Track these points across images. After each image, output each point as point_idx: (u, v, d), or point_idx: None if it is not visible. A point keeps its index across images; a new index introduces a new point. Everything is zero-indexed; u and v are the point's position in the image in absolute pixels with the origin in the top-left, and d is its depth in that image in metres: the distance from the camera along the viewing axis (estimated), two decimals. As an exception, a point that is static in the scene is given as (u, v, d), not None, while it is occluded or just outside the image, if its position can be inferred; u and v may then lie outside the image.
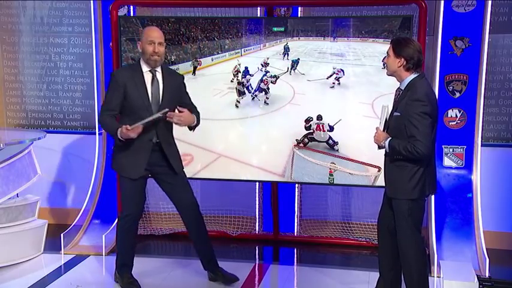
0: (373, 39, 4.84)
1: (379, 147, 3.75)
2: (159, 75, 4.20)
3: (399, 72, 3.65)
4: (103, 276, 4.72)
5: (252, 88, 5.14)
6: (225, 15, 5.28)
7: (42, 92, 6.02)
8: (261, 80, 5.12)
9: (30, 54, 5.97)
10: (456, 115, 5.04)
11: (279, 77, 5.10)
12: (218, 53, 5.14)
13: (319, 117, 5.00)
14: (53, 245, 5.17)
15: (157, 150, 4.20)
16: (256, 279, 4.72)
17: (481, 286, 4.10)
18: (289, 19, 5.17)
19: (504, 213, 5.32)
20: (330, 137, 5.00)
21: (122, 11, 5.32)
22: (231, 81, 5.14)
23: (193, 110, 4.32)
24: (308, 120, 5.03)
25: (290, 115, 5.08)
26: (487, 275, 4.50)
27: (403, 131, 3.57)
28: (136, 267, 4.54)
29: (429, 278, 3.86)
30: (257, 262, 5.11)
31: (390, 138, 3.64)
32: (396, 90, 3.75)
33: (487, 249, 4.81)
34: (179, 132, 5.07)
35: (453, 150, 5.07)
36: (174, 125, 4.24)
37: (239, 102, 5.15)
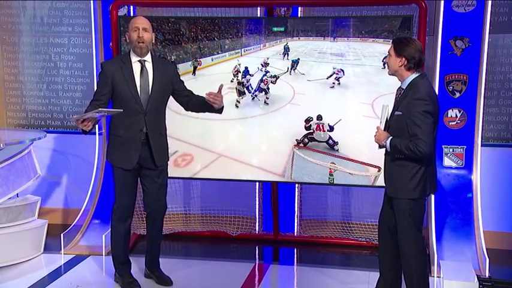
0: (373, 39, 4.84)
1: (380, 147, 3.75)
2: (148, 65, 4.18)
3: (400, 72, 3.66)
4: (103, 276, 4.72)
5: (252, 88, 5.14)
6: (225, 15, 5.28)
7: (42, 92, 6.02)
8: (261, 80, 5.12)
9: (30, 54, 5.97)
10: (456, 115, 5.04)
11: (279, 77, 5.10)
12: (218, 53, 5.13)
13: (319, 117, 5.00)
14: (53, 245, 5.17)
15: (145, 143, 4.17)
16: (256, 279, 4.72)
17: (481, 286, 4.11)
18: (289, 19, 5.17)
19: (504, 213, 5.32)
20: (330, 137, 5.00)
21: (122, 11, 5.32)
22: (231, 81, 5.14)
23: (193, 94, 4.34)
24: (308, 120, 5.03)
25: (290, 115, 5.08)
26: (487, 275, 4.50)
27: (404, 130, 3.57)
28: (137, 266, 4.55)
29: (429, 278, 3.85)
30: (257, 262, 5.10)
31: (391, 137, 3.65)
32: (397, 90, 3.75)
33: (487, 249, 4.81)
34: (179, 132, 5.08)
35: (453, 150, 5.07)
36: (165, 121, 4.28)
37: (239, 102, 5.15)
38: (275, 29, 5.02)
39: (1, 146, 4.68)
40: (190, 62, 5.17)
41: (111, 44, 5.24)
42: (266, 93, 5.12)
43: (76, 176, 5.94)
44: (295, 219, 5.56)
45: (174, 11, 5.49)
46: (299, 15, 5.37)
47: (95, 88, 4.28)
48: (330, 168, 5.00)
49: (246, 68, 5.11)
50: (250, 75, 5.12)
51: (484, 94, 5.04)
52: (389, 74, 3.76)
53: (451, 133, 5.04)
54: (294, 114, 5.06)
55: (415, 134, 3.51)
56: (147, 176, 4.29)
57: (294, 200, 5.54)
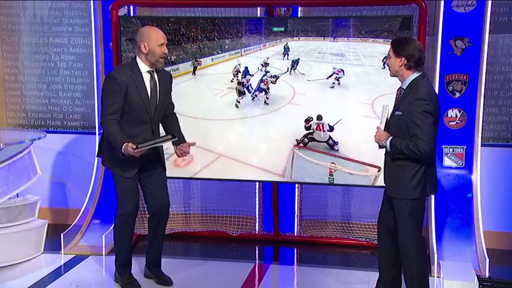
0: (373, 39, 4.84)
1: (380, 147, 3.75)
2: (155, 75, 4.17)
3: (401, 72, 3.66)
4: (103, 276, 4.72)
5: (252, 88, 5.14)
6: (225, 15, 5.28)
7: (42, 92, 6.02)
8: (261, 80, 5.12)
9: (30, 54, 5.97)
10: (456, 115, 5.04)
11: (279, 77, 5.10)
12: (218, 53, 5.14)
13: (319, 117, 5.00)
14: (53, 245, 5.17)
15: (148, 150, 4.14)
16: (256, 279, 4.72)
17: (481, 286, 4.10)
18: (289, 19, 5.17)
19: (504, 213, 5.32)
20: (330, 137, 5.00)
21: (122, 11, 5.32)
22: (231, 81, 5.14)
23: (172, 109, 4.35)
24: (308, 120, 5.03)
25: (290, 115, 5.08)
26: (487, 275, 4.50)
27: (404, 130, 3.57)
28: (136, 267, 4.55)
29: (429, 278, 3.85)
30: (257, 262, 5.10)
31: (391, 137, 3.65)
32: (398, 90, 3.75)
33: (487, 249, 4.81)
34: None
35: (453, 150, 5.07)
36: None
37: (239, 102, 5.15)
38: (275, 29, 5.02)
39: (1, 146, 4.68)
40: (190, 62, 5.17)
41: (111, 44, 5.24)
42: (266, 93, 5.12)
43: (76, 176, 5.94)
44: (295, 219, 5.56)
45: (174, 11, 5.49)
46: (299, 15, 5.37)
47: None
48: (330, 168, 5.00)
49: (246, 68, 5.11)
50: (250, 75, 5.12)
51: (484, 94, 5.04)
52: (391, 76, 3.76)
53: (451, 133, 5.04)
54: (294, 114, 5.06)
55: (415, 134, 3.51)
56: (148, 178, 4.29)
57: (294, 200, 5.54)
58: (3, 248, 4.72)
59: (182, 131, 4.35)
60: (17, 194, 4.97)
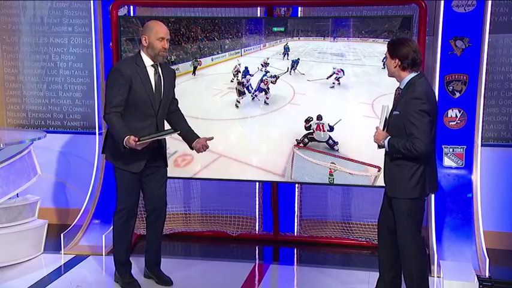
0: (373, 39, 4.84)
1: (379, 147, 3.76)
2: (159, 70, 4.17)
3: (397, 73, 3.68)
4: (103, 276, 4.72)
5: (252, 88, 5.14)
6: (225, 15, 5.28)
7: (42, 92, 6.02)
8: (261, 80, 5.12)
9: (30, 54, 5.97)
10: (456, 115, 5.04)
11: (279, 77, 5.10)
12: (218, 53, 5.14)
13: (319, 117, 5.00)
14: (53, 245, 5.18)
15: (155, 144, 4.16)
16: (256, 279, 4.72)
17: (481, 286, 4.10)
18: (289, 19, 5.17)
19: (504, 213, 5.32)
20: (330, 137, 5.00)
21: (122, 11, 5.32)
22: (231, 81, 5.14)
23: (176, 104, 4.37)
24: (308, 120, 5.03)
25: (290, 115, 5.08)
26: (487, 275, 4.50)
27: (402, 129, 3.58)
28: (136, 267, 4.55)
29: (429, 277, 3.85)
30: (257, 262, 5.11)
31: (390, 137, 3.65)
32: (396, 90, 3.77)
33: (487, 249, 4.81)
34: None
35: (453, 150, 5.07)
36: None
37: (239, 102, 5.15)
38: (275, 29, 5.02)
39: (1, 146, 4.68)
40: (190, 62, 5.17)
41: (111, 44, 5.24)
42: (266, 93, 5.12)
43: (76, 176, 5.94)
44: (295, 219, 5.56)
45: (174, 11, 5.49)
46: (299, 15, 5.37)
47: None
48: (330, 168, 5.00)
49: (246, 68, 5.11)
50: (250, 75, 5.12)
51: (484, 94, 5.04)
52: (389, 76, 3.78)
53: (451, 133, 5.04)
54: (294, 114, 5.06)
55: (411, 133, 3.52)
56: (149, 175, 4.29)
57: (294, 200, 5.54)
58: (3, 248, 4.72)
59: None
60: (17, 194, 4.97)
